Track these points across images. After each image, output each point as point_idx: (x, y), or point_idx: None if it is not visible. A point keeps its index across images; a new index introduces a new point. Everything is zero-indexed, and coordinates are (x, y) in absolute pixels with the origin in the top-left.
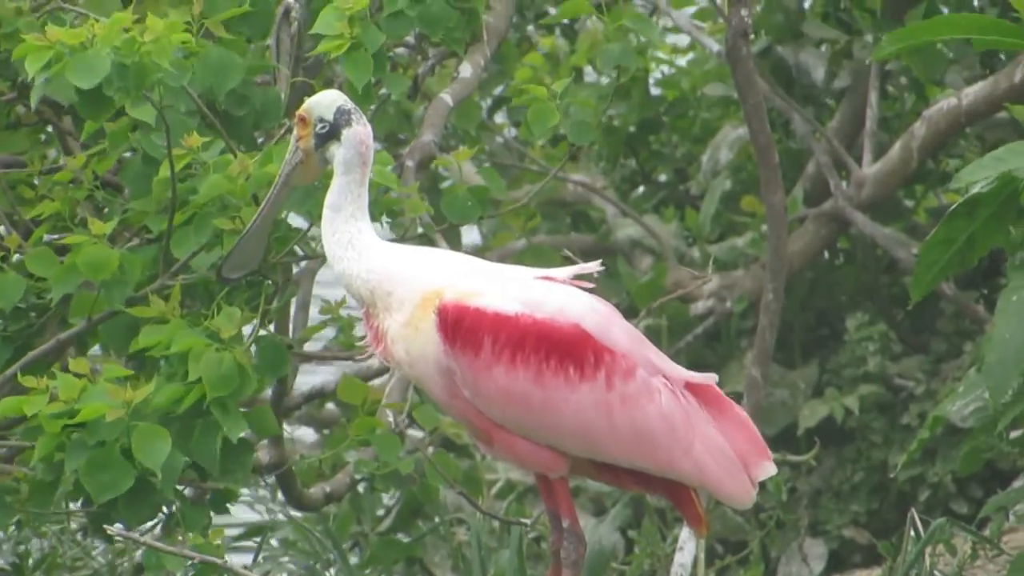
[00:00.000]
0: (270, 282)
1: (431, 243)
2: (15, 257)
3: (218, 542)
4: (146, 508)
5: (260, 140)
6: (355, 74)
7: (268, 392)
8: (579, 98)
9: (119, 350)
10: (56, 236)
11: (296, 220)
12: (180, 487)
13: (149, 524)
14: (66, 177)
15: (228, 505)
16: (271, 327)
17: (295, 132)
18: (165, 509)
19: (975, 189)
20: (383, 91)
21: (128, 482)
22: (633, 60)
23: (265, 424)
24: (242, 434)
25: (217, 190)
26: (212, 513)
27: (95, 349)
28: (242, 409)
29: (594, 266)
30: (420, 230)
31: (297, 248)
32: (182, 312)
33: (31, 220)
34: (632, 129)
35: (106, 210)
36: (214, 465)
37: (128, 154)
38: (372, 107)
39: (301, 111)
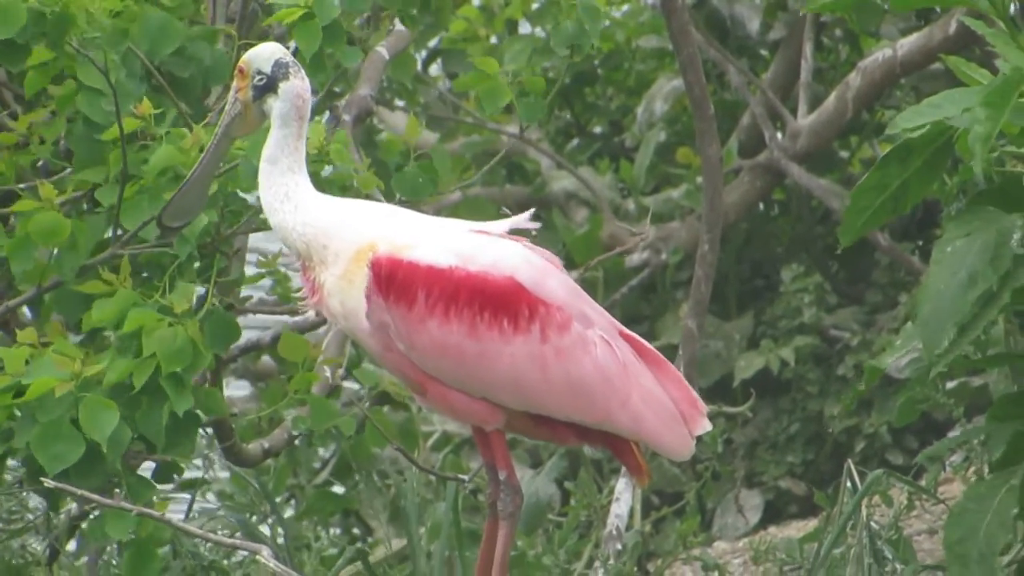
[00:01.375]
0: (222, 255)
1: (368, 196)
2: None
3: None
4: (96, 478)
5: (209, 101)
6: (304, 43)
7: None
8: (531, 80)
9: (70, 319)
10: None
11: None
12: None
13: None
14: (10, 140)
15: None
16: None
17: (234, 83)
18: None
19: (909, 134)
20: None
21: (78, 453)
22: (586, 39)
23: (213, 403)
24: (188, 408)
25: (168, 161)
26: (157, 484)
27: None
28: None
29: (527, 218)
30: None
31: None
32: (133, 285)
33: None
34: (567, 81)
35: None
36: (160, 438)
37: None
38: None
39: (241, 62)
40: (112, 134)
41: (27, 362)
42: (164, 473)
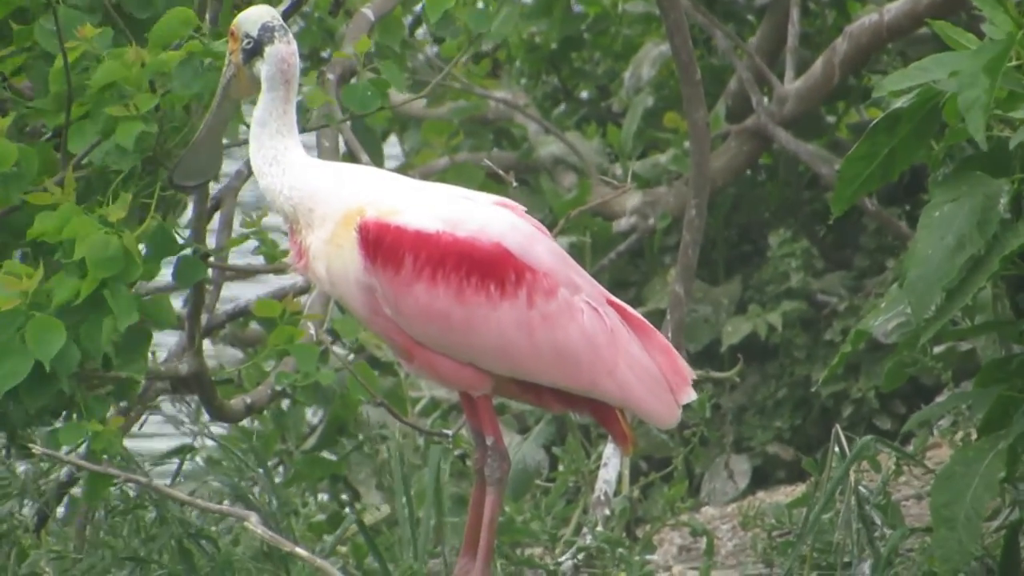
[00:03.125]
0: (164, 168)
1: (353, 159)
2: None
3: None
4: (45, 397)
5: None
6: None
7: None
8: None
9: (16, 245)
10: None
11: None
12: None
13: (76, 444)
14: None
15: (144, 428)
16: (185, 232)
17: (229, 45)
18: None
19: (897, 103)
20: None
21: (24, 371)
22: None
23: (161, 312)
24: (133, 321)
25: (111, 76)
26: (114, 402)
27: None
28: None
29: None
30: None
31: None
32: (80, 204)
33: None
34: (554, 46)
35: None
36: (99, 352)
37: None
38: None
39: (232, 25)
40: (58, 62)
41: None
42: (120, 392)
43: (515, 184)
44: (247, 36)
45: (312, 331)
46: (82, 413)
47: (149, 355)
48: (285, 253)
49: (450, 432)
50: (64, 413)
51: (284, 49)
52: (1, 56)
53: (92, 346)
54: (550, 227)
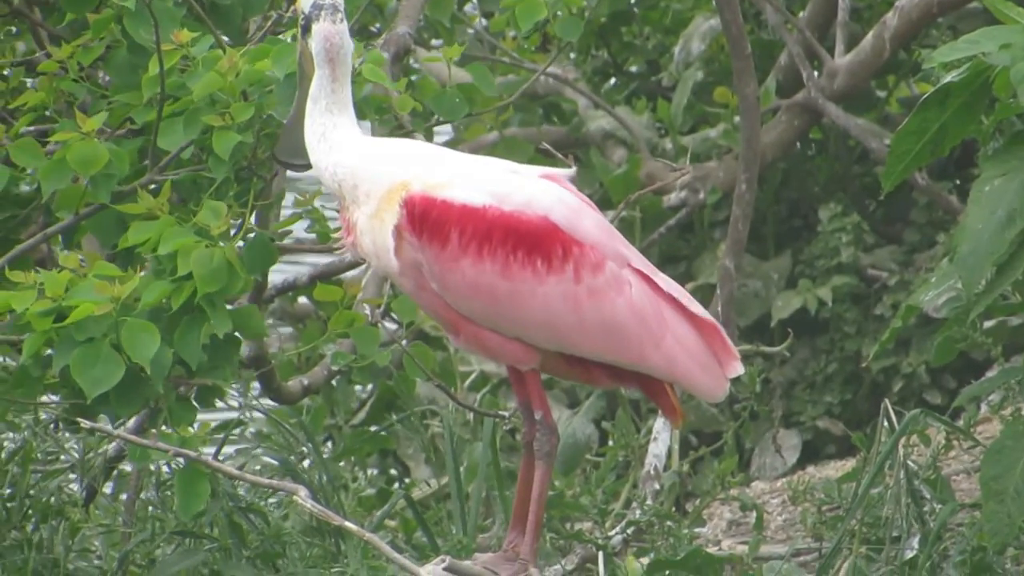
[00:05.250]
0: (258, 178)
1: (407, 135)
2: None
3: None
4: (136, 401)
5: (249, 31)
6: None
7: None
8: None
9: (104, 243)
10: (38, 128)
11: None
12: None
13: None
14: (52, 67)
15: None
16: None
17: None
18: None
19: (947, 78)
20: None
21: (118, 375)
22: None
23: (251, 324)
24: (228, 330)
25: (210, 88)
26: (198, 407)
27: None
28: (228, 307)
29: (566, 175)
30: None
31: None
32: (170, 208)
33: (10, 110)
34: (604, 20)
35: (88, 101)
36: (197, 360)
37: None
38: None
39: (296, 1)
40: (152, 65)
41: (67, 288)
42: (205, 397)
43: (573, 166)
44: (302, 12)
45: (368, 311)
46: (168, 418)
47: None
48: (336, 229)
49: (507, 413)
50: (148, 417)
51: (327, 28)
52: (78, 45)
53: (187, 352)
54: (600, 202)
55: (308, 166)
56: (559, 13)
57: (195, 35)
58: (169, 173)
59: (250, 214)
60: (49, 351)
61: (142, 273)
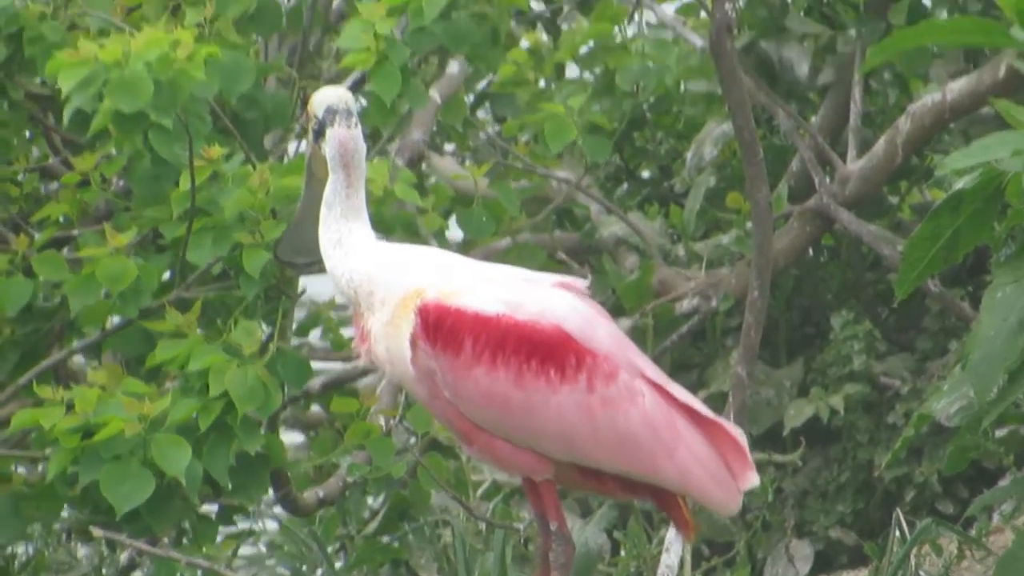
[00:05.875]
0: (287, 297)
1: (419, 234)
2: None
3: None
4: (169, 516)
5: (269, 144)
6: (383, 89)
7: None
8: (595, 115)
9: (129, 356)
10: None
11: None
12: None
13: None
14: (74, 179)
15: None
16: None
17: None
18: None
19: (959, 184)
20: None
21: (148, 491)
22: (652, 78)
23: (273, 452)
24: (258, 448)
25: (241, 206)
26: (220, 526)
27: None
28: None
29: (581, 286)
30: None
31: None
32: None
33: (26, 216)
34: (617, 125)
35: (113, 214)
36: (226, 477)
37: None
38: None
39: (308, 105)
40: (182, 179)
41: (97, 403)
42: (226, 515)
43: (588, 276)
44: (315, 117)
45: (382, 422)
46: (192, 535)
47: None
48: (352, 338)
49: (520, 525)
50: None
51: (342, 133)
52: (101, 156)
53: (216, 470)
54: (612, 309)
55: (309, 266)
56: (586, 115)
57: (225, 151)
58: (197, 289)
59: (278, 330)
60: (74, 467)
61: (168, 384)
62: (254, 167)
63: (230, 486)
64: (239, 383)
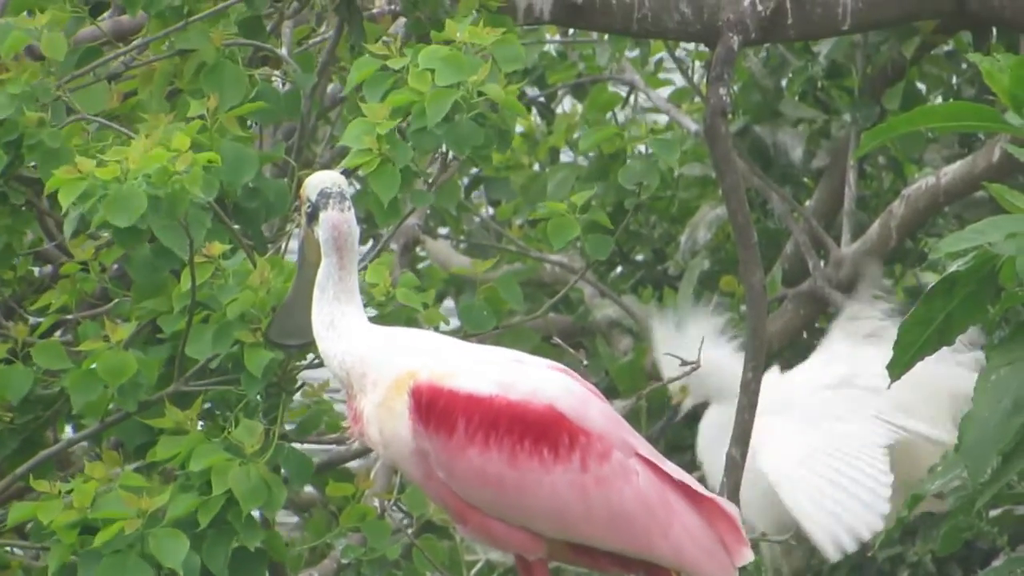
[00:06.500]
0: (287, 394)
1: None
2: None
3: None
4: None
5: (267, 232)
6: (382, 190)
7: None
8: (597, 214)
9: (128, 447)
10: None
11: None
12: None
13: None
14: (73, 268)
15: None
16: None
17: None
18: None
19: (953, 267)
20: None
21: None
22: (655, 176)
23: (273, 547)
24: (258, 544)
25: (244, 306)
26: None
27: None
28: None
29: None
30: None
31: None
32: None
33: (19, 299)
34: (610, 210)
35: (113, 301)
36: (225, 571)
37: None
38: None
39: (301, 189)
40: (184, 281)
41: (95, 497)
42: None
43: (584, 362)
44: (308, 201)
45: (377, 504)
46: None
47: None
48: (344, 419)
49: None
50: None
51: (335, 217)
52: (101, 245)
53: (215, 565)
54: (606, 391)
55: (299, 347)
56: (588, 212)
57: (226, 247)
58: (195, 384)
59: (278, 427)
60: (72, 559)
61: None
62: (253, 261)
63: None
64: (242, 482)
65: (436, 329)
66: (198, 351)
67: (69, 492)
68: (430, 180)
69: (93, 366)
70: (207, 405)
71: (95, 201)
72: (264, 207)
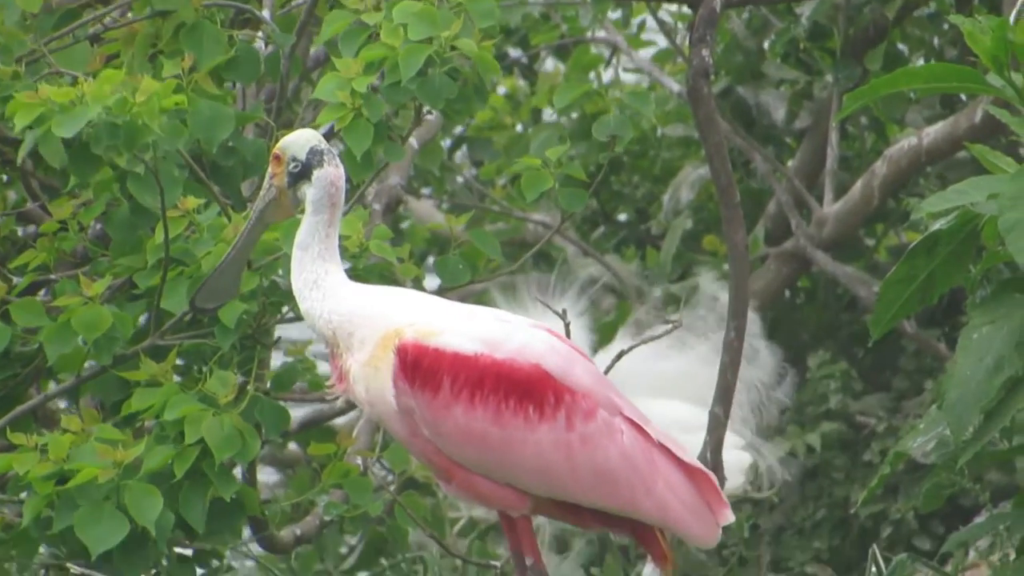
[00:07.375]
0: (262, 346)
1: (396, 282)
2: None
3: None
4: (141, 561)
5: (246, 191)
6: (355, 143)
7: None
8: (571, 167)
9: (106, 402)
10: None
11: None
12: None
13: None
14: (52, 227)
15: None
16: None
17: (269, 169)
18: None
19: (936, 226)
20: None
21: (121, 535)
22: (628, 130)
23: (248, 502)
24: (233, 494)
25: (218, 259)
26: (197, 566)
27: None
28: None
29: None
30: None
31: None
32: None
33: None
34: (592, 169)
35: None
36: (202, 524)
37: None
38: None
39: (276, 149)
40: (158, 226)
41: (69, 451)
42: (204, 557)
43: (568, 321)
44: (294, 160)
45: (360, 461)
46: None
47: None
48: (327, 377)
49: (497, 563)
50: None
51: (333, 172)
52: (79, 204)
53: (191, 516)
54: (589, 348)
55: (218, 309)
56: (563, 166)
57: (200, 202)
58: (171, 338)
59: (253, 378)
60: (48, 512)
61: (148, 424)
62: (230, 217)
63: (204, 531)
64: (215, 431)
65: (415, 284)
66: (173, 304)
67: (46, 445)
68: (403, 134)
69: (69, 321)
70: (181, 362)
71: (48, 124)
72: (242, 166)
